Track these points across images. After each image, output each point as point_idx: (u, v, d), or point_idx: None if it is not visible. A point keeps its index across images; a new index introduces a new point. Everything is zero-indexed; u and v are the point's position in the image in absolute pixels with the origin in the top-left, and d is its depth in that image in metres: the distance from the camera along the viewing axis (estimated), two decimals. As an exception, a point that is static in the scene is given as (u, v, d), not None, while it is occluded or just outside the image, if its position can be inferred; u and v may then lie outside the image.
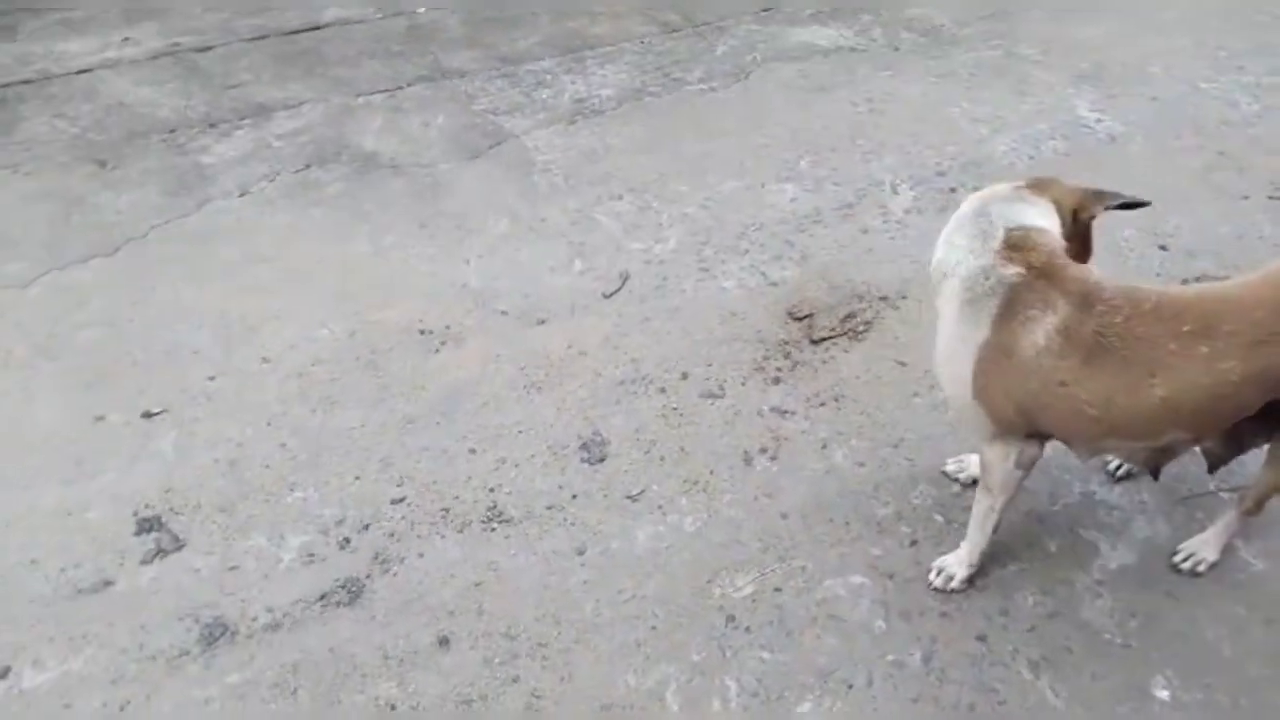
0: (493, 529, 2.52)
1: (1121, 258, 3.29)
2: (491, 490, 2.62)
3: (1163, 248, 3.36)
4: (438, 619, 2.32)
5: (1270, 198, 3.59)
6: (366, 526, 2.54)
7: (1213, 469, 2.27)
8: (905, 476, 2.61)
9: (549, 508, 2.57)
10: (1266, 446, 2.15)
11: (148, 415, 2.89)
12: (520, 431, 2.79)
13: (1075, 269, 2.04)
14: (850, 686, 2.15)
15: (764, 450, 2.70)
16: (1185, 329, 1.92)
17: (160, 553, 2.50)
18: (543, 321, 3.17)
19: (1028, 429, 2.14)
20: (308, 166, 3.99)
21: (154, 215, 3.74)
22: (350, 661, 2.23)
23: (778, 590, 2.34)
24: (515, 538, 2.50)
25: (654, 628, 2.28)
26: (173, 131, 4.27)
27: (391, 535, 2.52)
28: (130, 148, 4.17)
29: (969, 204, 2.16)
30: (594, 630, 2.28)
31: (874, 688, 2.14)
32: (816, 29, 4.89)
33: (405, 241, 3.55)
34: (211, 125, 4.30)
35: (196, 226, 3.68)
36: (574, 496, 2.60)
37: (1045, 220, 2.11)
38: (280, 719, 2.13)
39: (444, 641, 2.27)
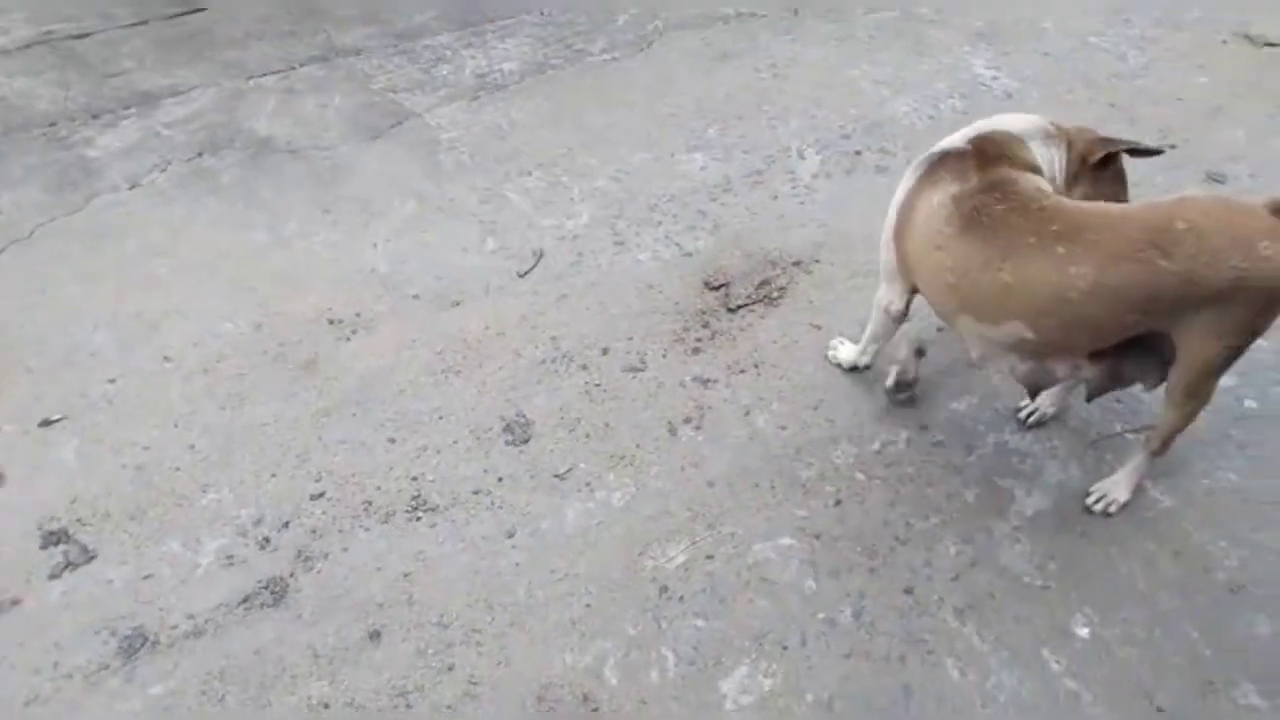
0: (418, 518, 2.48)
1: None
2: (414, 479, 2.57)
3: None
4: (367, 613, 2.27)
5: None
6: (286, 524, 2.47)
7: (1089, 397, 2.37)
8: (826, 437, 2.64)
9: (475, 492, 2.54)
10: (1165, 386, 2.24)
11: (46, 423, 2.75)
12: (440, 417, 2.74)
13: (1019, 172, 2.18)
14: (785, 648, 2.18)
15: (688, 420, 2.71)
16: (1053, 228, 2.04)
17: (69, 565, 2.39)
18: (457, 304, 3.11)
19: (909, 282, 2.39)
20: (200, 155, 3.83)
21: (38, 213, 3.54)
22: (279, 663, 2.18)
23: (709, 558, 2.36)
24: (442, 525, 2.46)
25: (588, 605, 2.27)
26: (53, 124, 4.05)
27: (313, 531, 2.45)
28: (8, 143, 3.94)
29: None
30: (528, 612, 2.26)
31: (808, 647, 2.18)
32: (717, -3, 4.88)
33: (307, 228, 3.44)
34: (94, 116, 4.09)
35: (85, 223, 3.50)
36: (500, 479, 2.57)
37: (1039, 145, 2.28)
38: (209, 727, 2.07)
39: (375, 635, 2.23)
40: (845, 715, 2.06)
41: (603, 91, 4.15)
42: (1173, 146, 3.71)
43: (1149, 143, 2.39)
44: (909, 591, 2.28)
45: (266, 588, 2.33)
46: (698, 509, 2.47)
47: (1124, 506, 2.45)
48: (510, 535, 2.43)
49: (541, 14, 4.75)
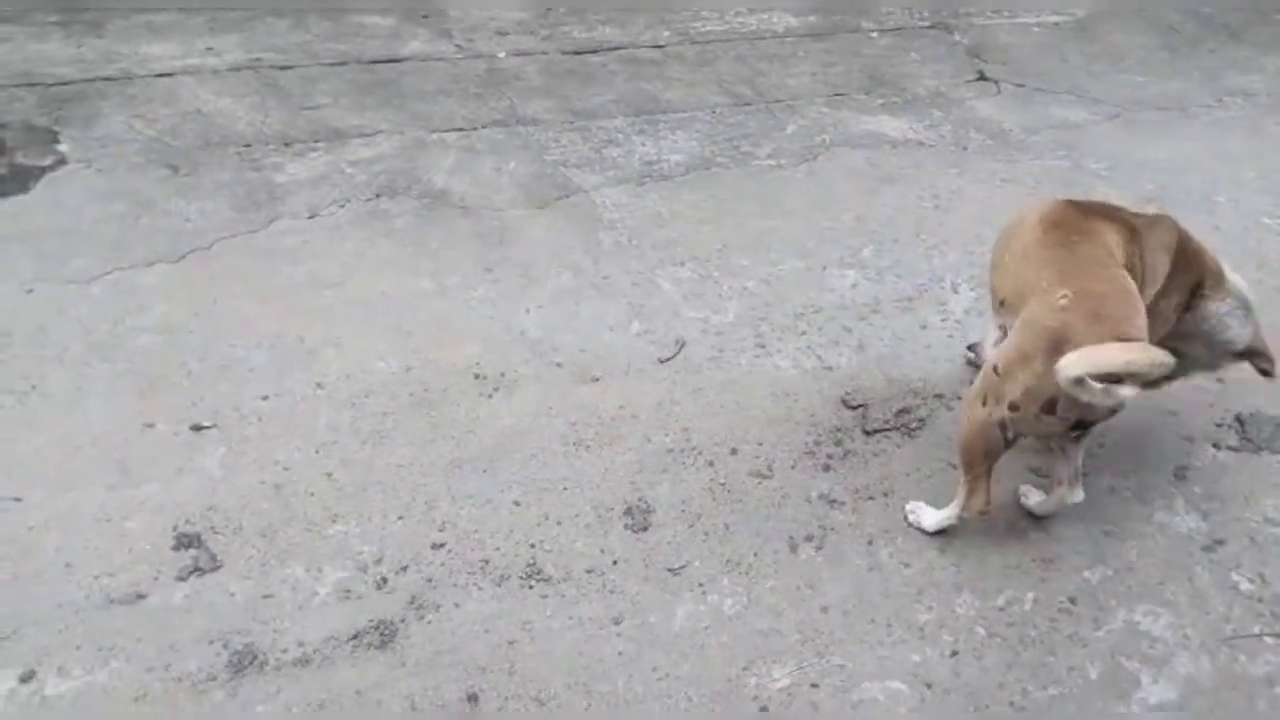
0: (531, 586, 2.51)
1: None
2: (533, 546, 2.61)
3: (1219, 380, 3.34)
4: (469, 674, 2.29)
5: (1330, 340, 3.57)
6: (405, 568, 2.53)
7: None
8: (950, 583, 2.58)
9: (589, 571, 2.55)
10: None
11: (197, 428, 2.90)
12: (565, 489, 2.78)
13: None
14: (881, 796, 2.11)
15: (809, 538, 2.68)
16: None
17: (197, 571, 2.49)
18: (597, 379, 3.18)
19: None
20: (378, 196, 4.04)
21: (222, 227, 3.78)
22: (376, 707, 2.21)
23: (814, 686, 2.31)
24: (553, 598, 2.48)
25: (686, 710, 2.25)
26: (248, 145, 4.33)
27: (429, 581, 2.50)
28: (204, 156, 4.23)
29: None
30: (625, 705, 2.25)
31: (905, 800, 2.11)
32: (885, 119, 4.95)
33: (468, 282, 3.58)
34: (286, 144, 4.36)
35: (263, 243, 3.72)
36: (614, 562, 2.58)
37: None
38: (302, 758, 2.11)
39: (473, 698, 2.24)
40: None
41: (763, 196, 4.23)
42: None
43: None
44: (1016, 763, 2.19)
45: (377, 628, 2.37)
46: (809, 633, 2.43)
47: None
48: (617, 622, 2.43)
49: (713, 113, 4.88)
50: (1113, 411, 2.39)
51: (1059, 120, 5.08)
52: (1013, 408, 2.40)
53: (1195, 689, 2.37)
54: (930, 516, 2.69)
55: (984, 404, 2.47)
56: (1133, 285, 2.47)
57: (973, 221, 4.12)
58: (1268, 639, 2.49)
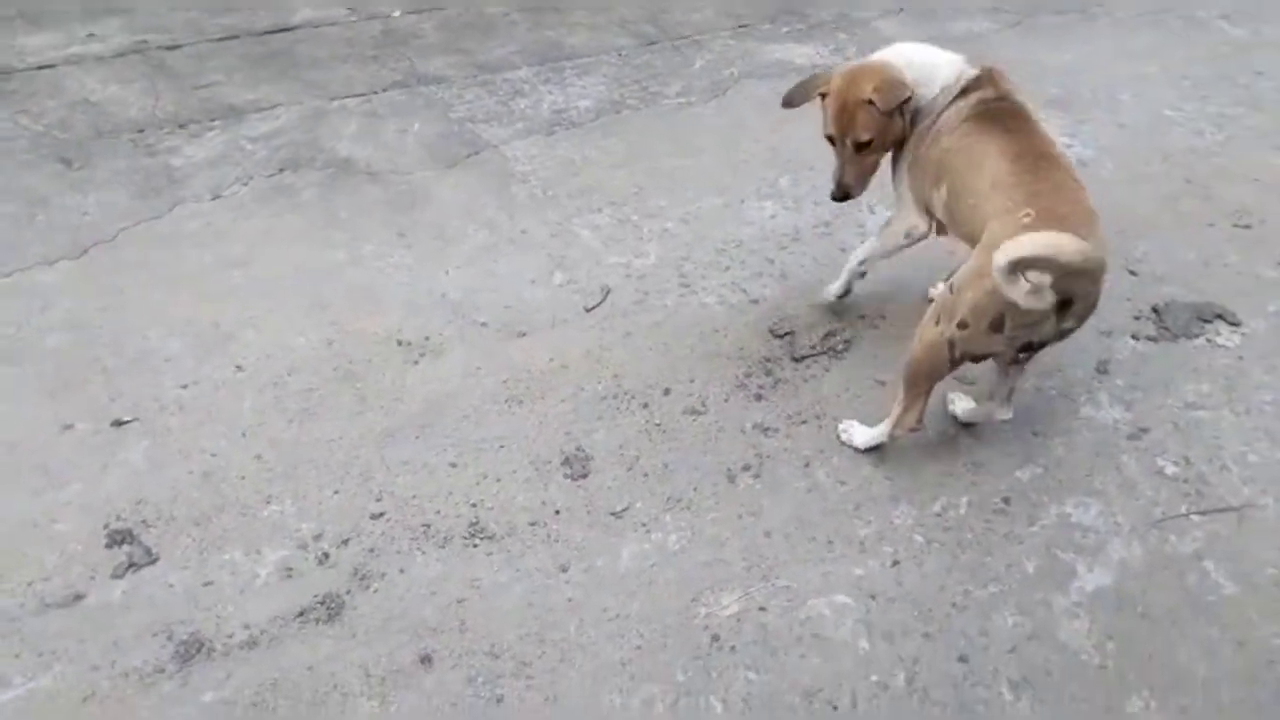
0: (475, 545, 2.50)
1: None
2: (473, 505, 2.60)
3: (1132, 272, 3.43)
4: (419, 636, 2.28)
5: (1235, 226, 3.68)
6: (346, 541, 2.50)
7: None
8: (886, 496, 2.63)
9: (532, 524, 2.55)
10: None
11: (118, 424, 2.82)
12: (502, 446, 2.77)
13: None
14: (835, 708, 2.16)
15: (747, 468, 2.70)
16: None
17: (133, 566, 2.44)
18: (523, 334, 3.15)
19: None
20: (281, 171, 3.92)
21: (123, 217, 3.65)
22: (330, 680, 2.20)
23: (762, 609, 2.35)
24: (498, 554, 2.48)
25: (639, 647, 2.27)
26: (141, 131, 4.18)
27: (371, 551, 2.48)
28: (97, 146, 4.07)
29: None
30: (579, 649, 2.26)
31: (858, 709, 2.16)
32: (792, 46, 4.93)
33: (382, 250, 3.51)
34: (181, 126, 4.22)
35: (167, 230, 3.60)
36: (557, 512, 2.58)
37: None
38: (258, 739, 2.09)
39: (426, 660, 2.24)
40: (895, 782, 2.03)
41: (676, 135, 4.20)
42: (1247, 226, 3.67)
43: None
44: (964, 660, 2.25)
45: (323, 603, 2.35)
46: (753, 559, 2.47)
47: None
48: (564, 570, 2.44)
49: (619, 55, 4.82)
50: (1061, 335, 2.40)
51: (963, 33, 5.11)
52: (961, 325, 2.39)
53: (1129, 572, 2.45)
54: (862, 434, 2.72)
55: (937, 323, 2.46)
56: (1095, 209, 2.44)
57: (885, 141, 4.13)
58: (1194, 517, 2.58)
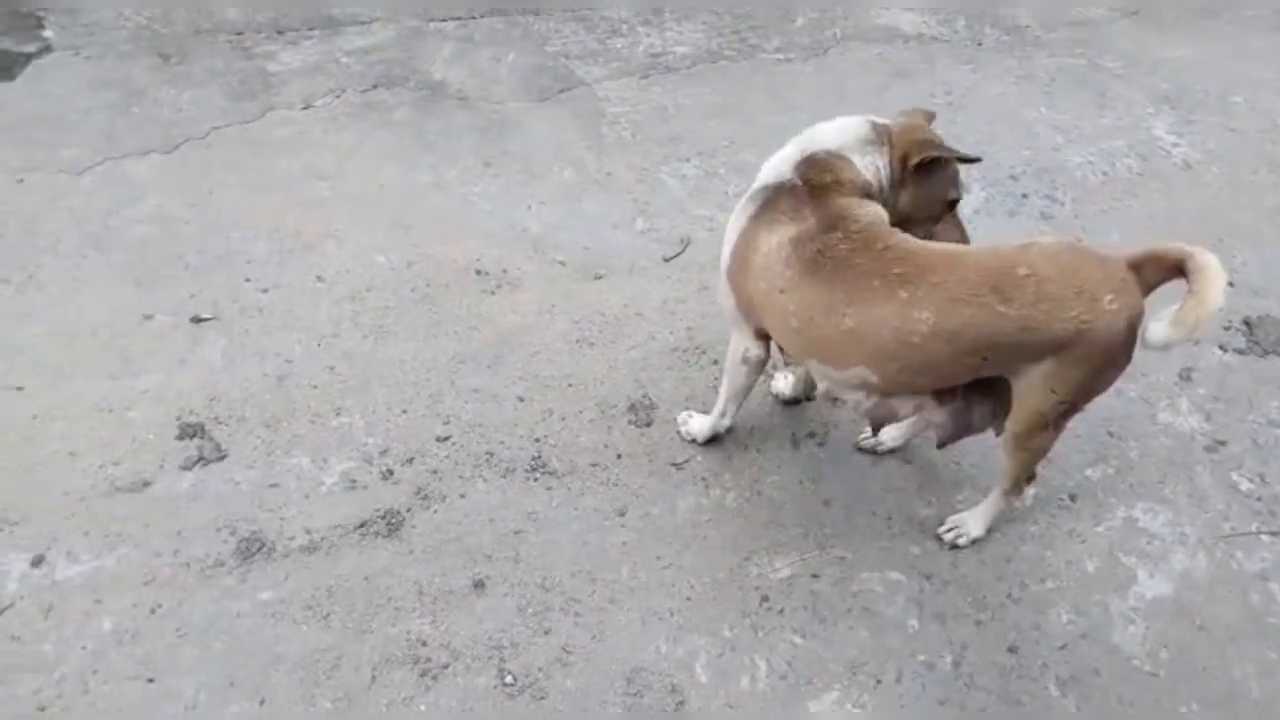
0: (535, 479, 2.52)
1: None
2: (537, 440, 2.61)
3: (1229, 283, 3.30)
4: (475, 561, 2.32)
5: (1341, 245, 3.53)
6: (410, 460, 2.53)
7: (940, 444, 2.32)
8: (950, 480, 2.60)
9: (593, 465, 2.56)
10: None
11: (197, 320, 2.87)
12: (570, 385, 2.77)
13: (854, 201, 2.10)
14: (879, 681, 2.15)
15: (812, 435, 2.68)
16: (896, 271, 1.98)
17: (201, 460, 2.50)
18: (600, 277, 3.14)
19: (756, 326, 2.29)
20: (375, 87, 3.93)
21: (216, 117, 3.69)
22: (385, 593, 2.24)
23: (815, 577, 2.34)
24: (558, 490, 2.49)
25: (688, 598, 2.28)
26: (239, 33, 4.20)
27: (435, 472, 2.51)
28: (196, 44, 4.10)
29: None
30: (629, 593, 2.28)
31: (902, 685, 2.15)
32: (899, 12, 4.79)
33: (468, 177, 3.50)
34: (279, 32, 4.23)
35: (258, 134, 3.63)
36: (619, 457, 2.59)
37: (861, 157, 2.16)
38: (310, 641, 2.14)
39: (479, 585, 2.27)
40: (933, 763, 2.03)
41: (772, 90, 4.12)
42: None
43: (968, 151, 2.25)
44: (1013, 651, 2.23)
45: (384, 518, 2.39)
46: (810, 526, 2.45)
47: (975, 541, 2.42)
48: (621, 514, 2.45)
49: (720, 4, 4.72)
50: None
51: (1077, 16, 4.92)
52: None
53: (1190, 584, 2.40)
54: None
55: None
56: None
57: (986, 119, 4.03)
58: (1264, 537, 2.52)
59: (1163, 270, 1.96)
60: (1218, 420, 2.82)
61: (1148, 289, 1.98)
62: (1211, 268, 1.88)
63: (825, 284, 2.04)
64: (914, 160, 2.17)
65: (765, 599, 2.29)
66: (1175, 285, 1.96)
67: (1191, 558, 2.46)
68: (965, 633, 2.25)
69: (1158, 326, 1.91)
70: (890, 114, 2.35)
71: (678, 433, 2.65)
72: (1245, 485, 2.64)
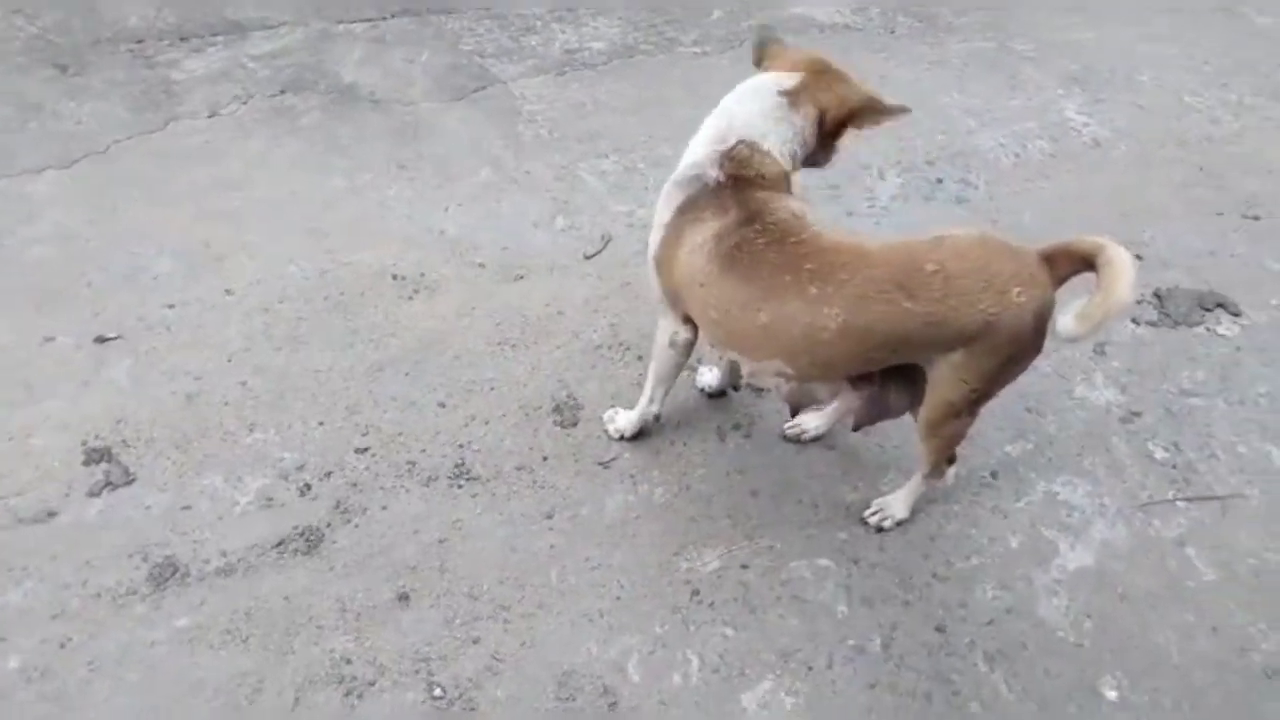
0: (459, 486, 2.47)
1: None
2: (460, 446, 2.57)
3: (1137, 256, 3.37)
4: (399, 574, 2.27)
5: (1244, 216, 3.64)
6: (328, 474, 2.47)
7: (856, 428, 2.37)
8: (875, 463, 2.61)
9: (518, 468, 2.53)
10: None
11: (101, 340, 2.77)
12: (492, 388, 2.73)
13: (773, 195, 2.11)
14: (810, 668, 2.16)
15: (737, 427, 2.68)
16: (807, 267, 2.00)
17: (109, 485, 2.41)
18: (521, 277, 3.10)
19: (683, 310, 2.30)
20: (283, 92, 3.83)
21: (117, 129, 3.57)
22: (306, 612, 2.18)
23: (744, 568, 2.34)
24: (482, 496, 2.45)
25: (618, 598, 2.26)
26: (140, 41, 4.07)
27: (354, 485, 2.45)
28: (95, 54, 3.97)
29: (732, 95, 2.23)
30: (558, 596, 2.25)
31: (834, 671, 2.15)
32: (813, 3, 4.82)
33: (382, 181, 3.44)
34: (182, 39, 4.11)
35: (162, 145, 3.52)
36: (545, 459, 2.56)
37: (780, 135, 2.14)
38: (230, 666, 2.08)
39: (404, 598, 2.22)
40: (866, 747, 2.04)
41: (689, 84, 4.12)
42: (1256, 218, 3.63)
43: (895, 102, 2.19)
44: (941, 630, 2.25)
45: (302, 535, 2.33)
46: (738, 517, 2.45)
47: (900, 523, 2.46)
48: (549, 516, 2.42)
49: (635, -2, 4.72)
50: None
51: (988, 3, 5.00)
52: None
53: (1111, 553, 2.44)
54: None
55: None
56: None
57: (899, 106, 4.06)
58: (1180, 504, 2.58)
59: (1074, 262, 1.98)
60: (1132, 392, 2.88)
61: (1060, 281, 2.00)
62: (1119, 262, 1.89)
63: (742, 279, 2.05)
64: (833, 116, 2.15)
65: (696, 593, 2.28)
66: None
67: (1111, 528, 2.51)
68: (893, 614, 2.27)
69: (1065, 320, 1.92)
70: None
71: (604, 431, 2.63)
72: (1160, 454, 2.70)
